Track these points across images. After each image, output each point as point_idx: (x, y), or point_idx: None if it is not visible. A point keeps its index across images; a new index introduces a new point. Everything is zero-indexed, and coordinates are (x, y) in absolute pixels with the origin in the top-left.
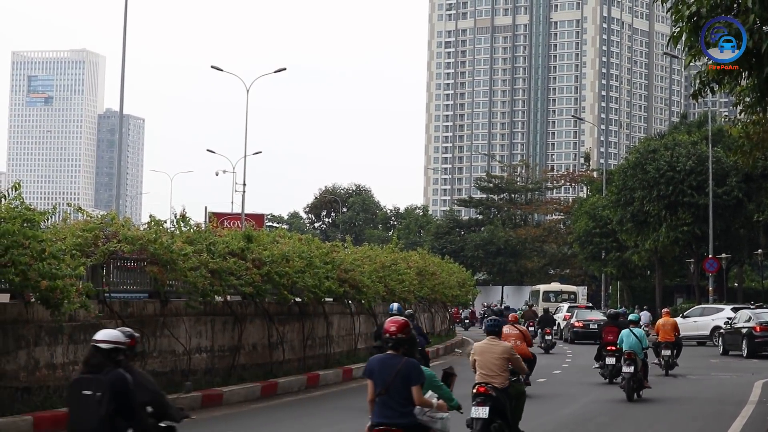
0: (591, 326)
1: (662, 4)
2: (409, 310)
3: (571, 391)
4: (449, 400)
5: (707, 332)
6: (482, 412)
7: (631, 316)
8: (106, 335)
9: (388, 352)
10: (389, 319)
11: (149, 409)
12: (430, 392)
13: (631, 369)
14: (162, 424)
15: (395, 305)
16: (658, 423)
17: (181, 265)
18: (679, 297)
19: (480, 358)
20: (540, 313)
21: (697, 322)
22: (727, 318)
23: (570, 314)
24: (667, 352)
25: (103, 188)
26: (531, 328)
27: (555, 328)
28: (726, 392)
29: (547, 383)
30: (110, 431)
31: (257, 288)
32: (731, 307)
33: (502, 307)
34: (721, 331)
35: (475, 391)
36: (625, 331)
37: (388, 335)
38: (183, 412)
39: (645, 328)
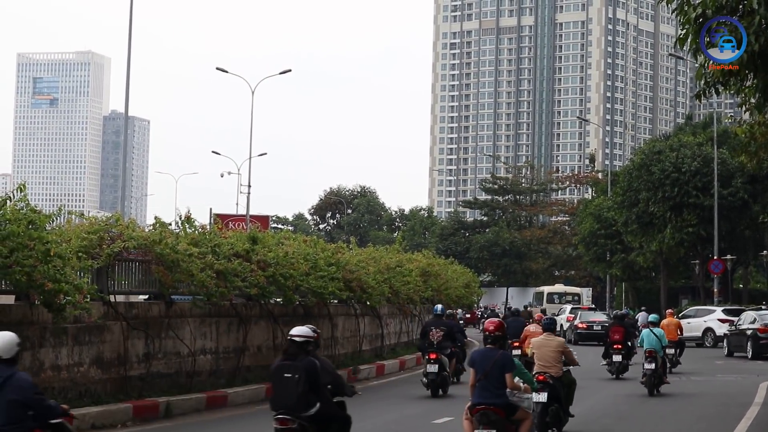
0: (594, 327)
1: (667, 6)
2: (449, 310)
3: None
4: (531, 383)
5: (699, 333)
6: (542, 397)
7: (650, 318)
8: (299, 331)
9: (488, 345)
10: (488, 320)
11: (329, 387)
12: (517, 378)
13: (653, 366)
14: (335, 399)
15: (439, 306)
16: (664, 423)
17: (187, 266)
18: (684, 298)
19: (538, 351)
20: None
21: (690, 323)
22: (718, 320)
23: (573, 316)
24: (671, 351)
25: (108, 190)
26: None
27: (558, 329)
28: (731, 393)
29: None
30: (305, 405)
31: (262, 289)
32: (722, 308)
33: (507, 308)
34: (726, 332)
35: (535, 379)
36: (645, 331)
37: (488, 333)
38: (353, 389)
39: (642, 328)
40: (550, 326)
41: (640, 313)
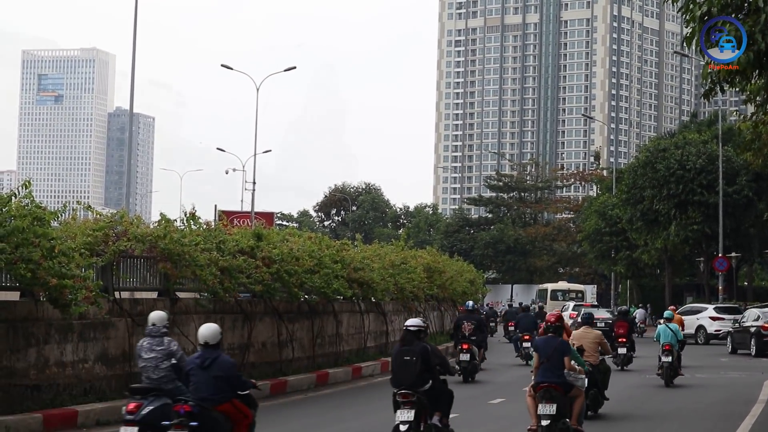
0: (598, 324)
1: (673, 4)
2: (470, 301)
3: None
4: (583, 366)
5: (693, 330)
6: (584, 382)
7: (665, 314)
8: (413, 322)
9: (549, 334)
10: (550, 312)
11: (438, 367)
12: (573, 361)
13: (669, 359)
14: (441, 377)
15: (470, 303)
16: (668, 422)
17: (192, 258)
18: (689, 296)
19: (578, 342)
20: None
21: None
22: (710, 317)
23: (576, 313)
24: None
25: (113, 186)
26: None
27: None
28: (735, 391)
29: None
30: (421, 382)
31: (267, 286)
32: (714, 306)
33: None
34: (730, 330)
35: None
36: (661, 327)
37: (549, 323)
38: (456, 369)
39: (641, 325)
40: (588, 320)
41: (638, 310)
